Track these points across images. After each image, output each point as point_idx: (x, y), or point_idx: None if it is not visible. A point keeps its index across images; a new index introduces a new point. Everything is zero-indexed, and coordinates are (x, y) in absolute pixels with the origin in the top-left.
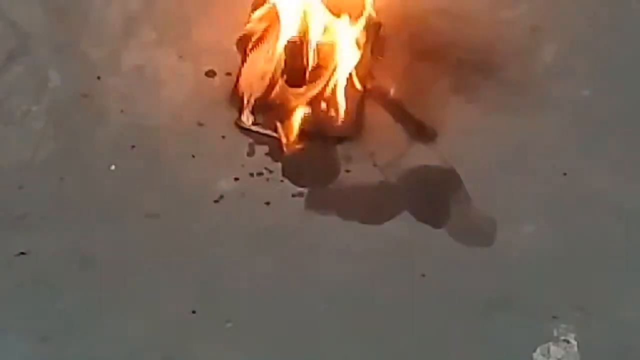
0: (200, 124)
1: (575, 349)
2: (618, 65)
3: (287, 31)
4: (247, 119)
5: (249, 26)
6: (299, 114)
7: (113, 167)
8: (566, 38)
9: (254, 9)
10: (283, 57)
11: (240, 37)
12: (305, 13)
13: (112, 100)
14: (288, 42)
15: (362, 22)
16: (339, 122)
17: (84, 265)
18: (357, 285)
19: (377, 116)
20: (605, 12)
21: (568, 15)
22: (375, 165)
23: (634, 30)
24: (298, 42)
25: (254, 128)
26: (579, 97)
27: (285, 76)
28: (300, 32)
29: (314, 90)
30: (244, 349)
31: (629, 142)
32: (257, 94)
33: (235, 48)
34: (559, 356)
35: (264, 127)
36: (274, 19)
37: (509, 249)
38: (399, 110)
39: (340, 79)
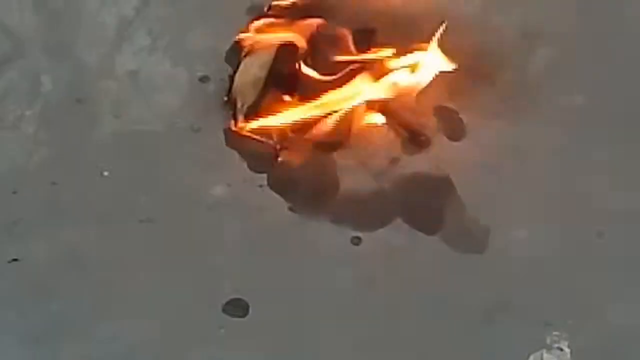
0: (194, 130)
1: (569, 356)
2: (611, 70)
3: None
4: (240, 124)
5: (243, 31)
6: (292, 120)
7: (106, 173)
8: (559, 44)
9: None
10: (276, 62)
11: (234, 42)
12: None
13: (105, 105)
14: (280, 46)
15: None
16: (333, 129)
17: (77, 270)
18: (352, 293)
19: (370, 122)
20: (598, 18)
21: (560, 21)
22: (368, 171)
23: (627, 36)
24: (290, 47)
25: (247, 134)
26: (572, 103)
27: (277, 82)
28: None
29: (308, 98)
30: (237, 355)
31: (622, 148)
32: (251, 100)
33: (229, 53)
34: None
35: (257, 133)
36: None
37: (502, 255)
38: (392, 117)
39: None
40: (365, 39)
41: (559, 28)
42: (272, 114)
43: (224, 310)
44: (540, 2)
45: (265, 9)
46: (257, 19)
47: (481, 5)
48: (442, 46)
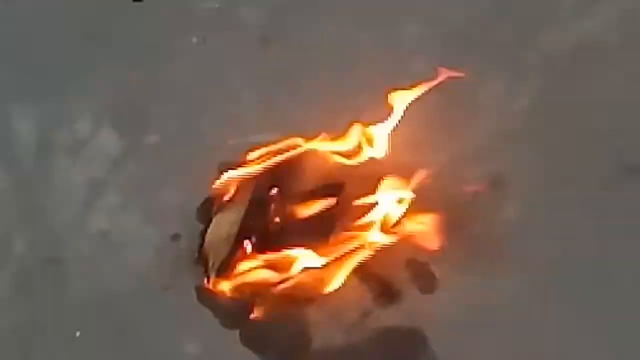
0: (165, 288)
1: None
2: (582, 223)
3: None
4: (212, 281)
5: (214, 188)
6: (264, 276)
7: (78, 334)
8: (529, 195)
9: (221, 172)
10: (247, 219)
11: (205, 199)
12: None
13: (77, 265)
14: (251, 203)
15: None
16: (307, 284)
17: None
18: None
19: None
20: (570, 169)
21: (531, 173)
22: (340, 325)
23: (597, 185)
24: (264, 201)
25: (219, 291)
26: (543, 255)
27: (249, 238)
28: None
29: (280, 254)
30: None
31: (595, 303)
32: (222, 256)
33: (200, 211)
34: None
35: (230, 290)
36: (240, 182)
37: None
38: (363, 270)
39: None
40: (334, 192)
41: (530, 179)
42: (243, 271)
43: None
44: (508, 153)
45: (236, 166)
46: (223, 175)
47: (449, 157)
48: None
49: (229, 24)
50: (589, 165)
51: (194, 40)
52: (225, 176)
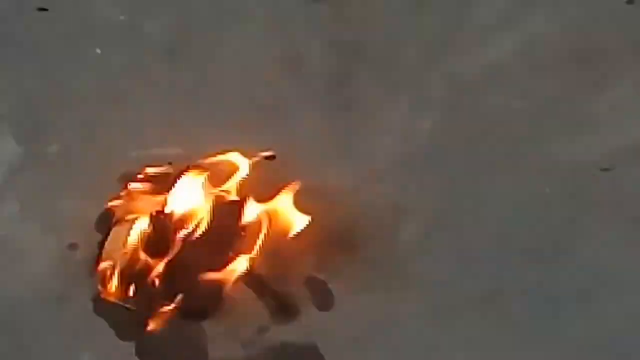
0: (61, 298)
1: None
2: (477, 246)
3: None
4: (109, 292)
5: (114, 199)
6: (162, 287)
7: None
8: (426, 218)
9: (125, 184)
10: (148, 229)
11: (105, 210)
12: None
13: None
14: (152, 214)
15: None
16: (202, 297)
17: None
18: None
19: (238, 291)
20: (467, 192)
21: (429, 196)
22: (237, 340)
23: (495, 211)
24: (164, 214)
25: (116, 301)
26: (438, 276)
27: (148, 249)
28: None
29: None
30: None
31: (489, 321)
32: (120, 267)
33: (98, 221)
34: None
35: (127, 301)
36: (140, 193)
37: None
38: (261, 286)
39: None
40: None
41: (428, 202)
42: (142, 281)
43: None
44: (409, 175)
45: (138, 175)
46: (128, 186)
47: (351, 178)
48: (313, 217)
49: (134, 37)
50: (490, 189)
51: (98, 50)
52: (128, 188)
